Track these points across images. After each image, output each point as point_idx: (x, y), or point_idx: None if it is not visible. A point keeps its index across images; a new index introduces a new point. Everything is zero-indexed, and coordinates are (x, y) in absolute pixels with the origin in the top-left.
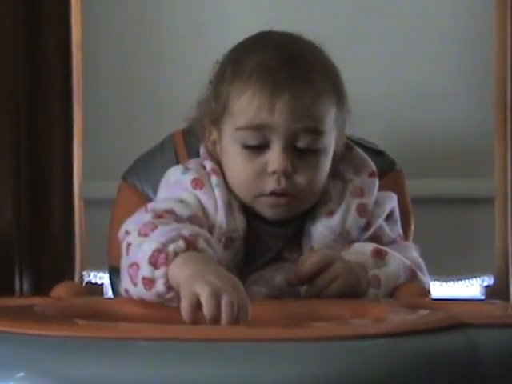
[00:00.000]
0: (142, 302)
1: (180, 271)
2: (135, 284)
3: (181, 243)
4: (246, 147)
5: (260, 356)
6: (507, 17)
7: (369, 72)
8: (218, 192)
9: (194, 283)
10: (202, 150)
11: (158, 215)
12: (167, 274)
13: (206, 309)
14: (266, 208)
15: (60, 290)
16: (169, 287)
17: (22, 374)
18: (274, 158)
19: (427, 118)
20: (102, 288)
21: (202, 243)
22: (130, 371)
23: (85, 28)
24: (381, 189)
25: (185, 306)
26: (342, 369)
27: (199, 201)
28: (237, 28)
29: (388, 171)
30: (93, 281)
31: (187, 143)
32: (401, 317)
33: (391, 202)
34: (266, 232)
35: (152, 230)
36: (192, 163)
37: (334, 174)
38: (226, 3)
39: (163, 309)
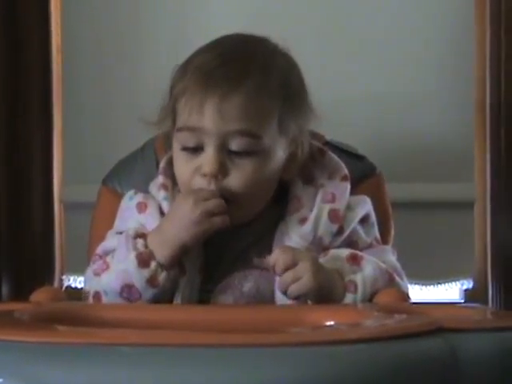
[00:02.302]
0: (123, 306)
1: (163, 247)
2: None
3: (140, 240)
4: (185, 149)
5: (239, 362)
6: (486, 18)
7: (348, 76)
8: (165, 204)
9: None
10: (162, 163)
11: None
12: (158, 262)
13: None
14: None
15: (40, 295)
16: (166, 269)
17: (0, 380)
18: (206, 160)
19: (406, 121)
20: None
21: (144, 229)
22: (111, 377)
23: (65, 30)
24: (361, 193)
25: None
26: (319, 375)
27: (143, 226)
28: (219, 31)
29: (368, 175)
30: (72, 285)
31: (167, 147)
32: (379, 322)
33: (364, 205)
34: (224, 233)
35: (106, 266)
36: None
37: (307, 179)
38: (207, 5)
39: (145, 313)
